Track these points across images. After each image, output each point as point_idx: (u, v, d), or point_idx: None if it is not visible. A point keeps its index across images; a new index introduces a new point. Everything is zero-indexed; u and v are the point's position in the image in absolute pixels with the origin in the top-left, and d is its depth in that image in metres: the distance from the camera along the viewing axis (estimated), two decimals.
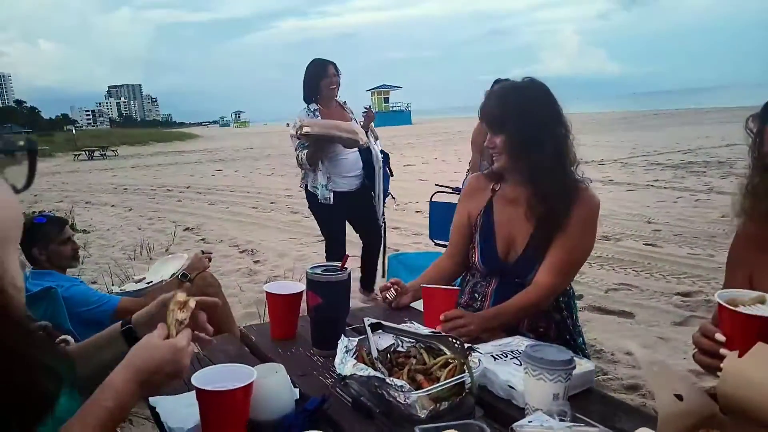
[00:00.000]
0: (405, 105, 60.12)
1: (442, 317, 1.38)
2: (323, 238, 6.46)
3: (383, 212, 4.02)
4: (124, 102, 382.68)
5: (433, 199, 4.49)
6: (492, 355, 1.23)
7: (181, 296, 0.94)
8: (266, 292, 1.43)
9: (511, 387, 1.11)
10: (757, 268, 1.11)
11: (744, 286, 1.13)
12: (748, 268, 1.14)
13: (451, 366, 1.11)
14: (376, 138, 3.93)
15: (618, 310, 3.87)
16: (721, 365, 0.89)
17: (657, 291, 4.19)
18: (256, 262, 5.59)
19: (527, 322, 1.64)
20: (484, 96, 1.68)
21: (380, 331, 1.24)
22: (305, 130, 3.37)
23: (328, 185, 3.61)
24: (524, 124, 1.53)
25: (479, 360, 1.12)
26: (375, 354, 1.12)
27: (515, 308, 1.54)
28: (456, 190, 4.47)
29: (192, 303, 0.94)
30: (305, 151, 3.53)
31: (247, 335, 1.49)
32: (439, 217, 4.38)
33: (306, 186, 3.80)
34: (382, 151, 4.17)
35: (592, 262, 4.78)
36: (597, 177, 8.73)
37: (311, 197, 3.77)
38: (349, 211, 3.83)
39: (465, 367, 1.07)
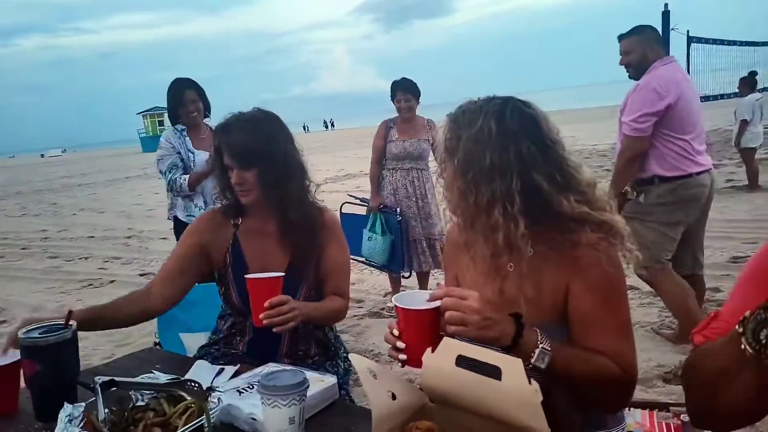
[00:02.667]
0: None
1: (266, 304, 1.37)
2: (88, 284, 5.82)
3: None
4: None
5: (342, 210, 4.27)
6: (237, 390, 1.23)
7: None
8: None
9: (254, 419, 1.12)
10: (458, 269, 1.29)
11: (453, 284, 1.31)
12: (453, 269, 1.31)
13: (190, 411, 1.08)
14: None
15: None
16: (422, 359, 1.02)
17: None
18: (1, 322, 4.73)
19: (287, 345, 1.66)
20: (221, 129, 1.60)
21: (114, 388, 1.15)
22: None
23: (206, 209, 3.18)
24: (274, 157, 1.55)
25: (218, 399, 1.10)
26: (102, 416, 1.03)
27: (327, 310, 1.62)
28: (365, 201, 4.28)
29: None
30: (185, 176, 3.13)
31: None
32: (351, 230, 4.11)
33: (175, 217, 3.33)
34: None
35: (372, 270, 5.04)
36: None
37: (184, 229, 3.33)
38: None
39: (203, 409, 1.05)
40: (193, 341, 2.40)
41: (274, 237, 1.64)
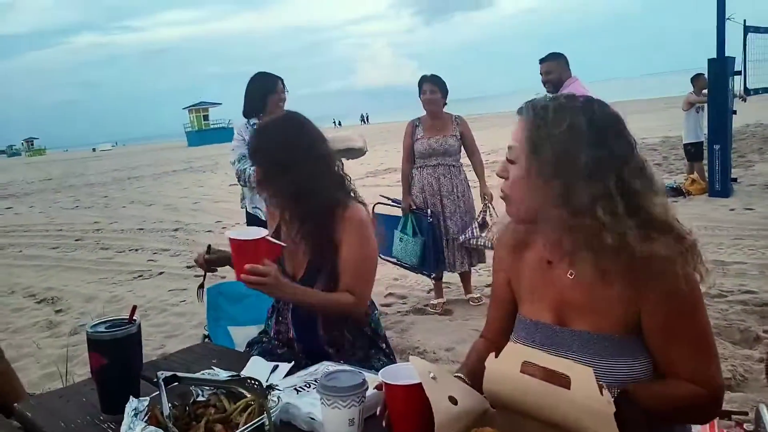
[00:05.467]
0: (227, 122, 58.05)
1: (247, 267, 1.43)
2: (138, 275, 6.02)
3: None
4: None
5: (375, 210, 4.27)
6: (295, 388, 1.24)
7: None
8: None
9: (312, 419, 1.12)
10: (512, 273, 1.26)
11: (504, 288, 1.27)
12: (506, 272, 1.28)
13: (250, 409, 1.09)
14: None
15: (440, 310, 4.14)
16: (485, 363, 1.00)
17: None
18: (57, 311, 4.94)
19: (322, 321, 1.67)
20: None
21: (176, 383, 1.17)
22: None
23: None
24: (273, 153, 1.64)
25: (278, 397, 1.11)
26: (166, 411, 1.06)
27: (324, 299, 1.61)
28: (396, 202, 4.24)
29: None
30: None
31: (22, 413, 1.30)
32: (384, 230, 4.20)
33: (245, 208, 3.51)
34: None
35: None
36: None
37: (252, 220, 3.46)
38: None
39: (264, 408, 1.06)
40: (241, 334, 2.44)
41: (292, 235, 1.67)
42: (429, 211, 3.95)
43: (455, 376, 1.19)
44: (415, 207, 4.00)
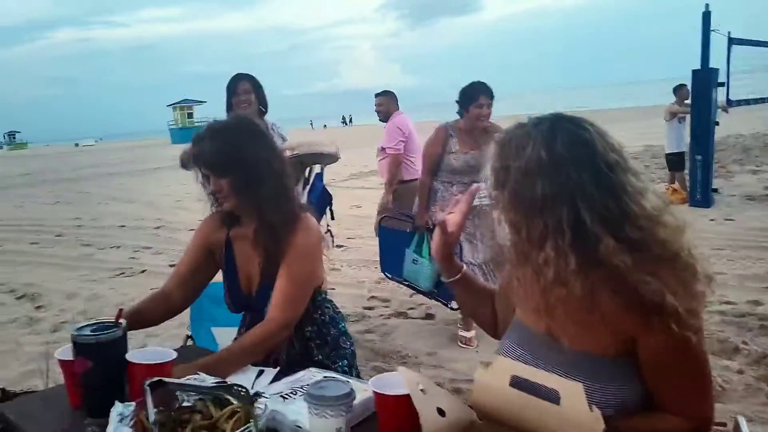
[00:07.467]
0: (212, 120, 57.25)
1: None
2: (120, 273, 5.95)
3: None
4: None
5: (383, 224, 3.94)
6: (281, 395, 1.23)
7: None
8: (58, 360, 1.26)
9: (298, 426, 1.12)
10: (516, 295, 1.21)
11: (506, 309, 1.27)
12: (510, 292, 1.23)
13: (237, 416, 1.09)
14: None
15: (422, 314, 4.16)
16: (475, 376, 1.00)
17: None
18: (38, 308, 4.87)
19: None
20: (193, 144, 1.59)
21: (162, 387, 1.16)
22: (294, 152, 3.04)
23: None
24: (246, 163, 1.55)
25: (265, 404, 1.10)
26: (152, 417, 1.05)
27: (239, 349, 1.49)
28: (408, 217, 3.71)
29: None
30: None
31: (4, 415, 1.28)
32: (390, 246, 3.74)
33: None
34: (324, 189, 3.50)
35: None
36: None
37: None
38: None
39: (250, 415, 1.05)
40: (224, 335, 2.43)
41: (252, 242, 1.63)
42: None
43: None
44: (432, 226, 3.29)
